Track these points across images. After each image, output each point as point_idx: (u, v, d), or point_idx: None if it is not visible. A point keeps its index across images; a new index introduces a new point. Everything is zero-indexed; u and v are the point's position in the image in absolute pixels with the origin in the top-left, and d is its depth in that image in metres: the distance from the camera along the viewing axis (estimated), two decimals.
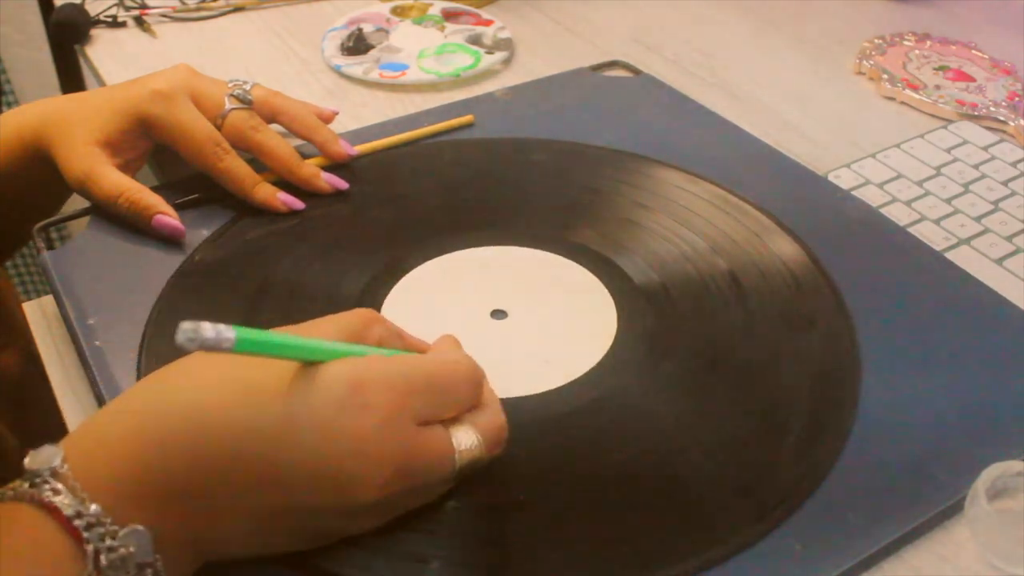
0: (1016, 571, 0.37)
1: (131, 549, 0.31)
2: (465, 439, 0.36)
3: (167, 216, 0.51)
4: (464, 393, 0.37)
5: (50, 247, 0.51)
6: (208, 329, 0.28)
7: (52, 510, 0.31)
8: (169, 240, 0.51)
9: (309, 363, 0.33)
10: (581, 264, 0.50)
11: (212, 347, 0.29)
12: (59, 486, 0.31)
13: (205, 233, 0.52)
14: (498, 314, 0.48)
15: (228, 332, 0.29)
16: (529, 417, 0.42)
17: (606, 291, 0.49)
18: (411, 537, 0.37)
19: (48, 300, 0.51)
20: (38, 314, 0.51)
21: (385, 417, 0.33)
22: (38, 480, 0.31)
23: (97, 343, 0.45)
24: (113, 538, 0.31)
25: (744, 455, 0.40)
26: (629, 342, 0.46)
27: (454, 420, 0.36)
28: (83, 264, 0.50)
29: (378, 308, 0.47)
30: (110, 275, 0.49)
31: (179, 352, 0.29)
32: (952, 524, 0.39)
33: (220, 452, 0.32)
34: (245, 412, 0.33)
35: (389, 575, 0.36)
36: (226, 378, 0.33)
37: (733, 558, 0.36)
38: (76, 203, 0.54)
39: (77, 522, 0.30)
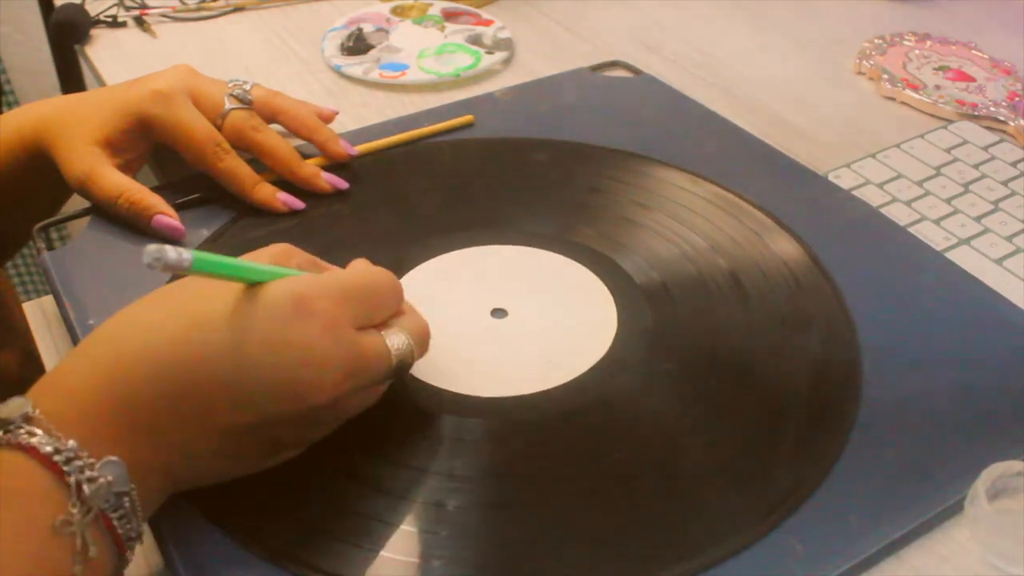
0: (1016, 571, 0.37)
1: (109, 478, 0.32)
2: (397, 340, 0.39)
3: (167, 216, 0.51)
4: (389, 299, 0.40)
5: (50, 247, 0.51)
6: (171, 251, 0.31)
7: (30, 450, 0.32)
8: (169, 240, 0.51)
9: (251, 285, 0.36)
10: (581, 263, 0.50)
11: (174, 267, 0.31)
12: (35, 429, 0.32)
13: (205, 233, 0.52)
14: (498, 313, 0.48)
15: (187, 254, 0.32)
16: (529, 416, 0.42)
17: (606, 290, 0.49)
18: (411, 537, 0.37)
19: (48, 300, 0.51)
20: (38, 314, 0.51)
21: (328, 323, 0.36)
22: (12, 427, 0.32)
23: None
24: (91, 469, 0.32)
25: (744, 455, 0.40)
26: (629, 342, 0.46)
27: (384, 325, 0.39)
28: (83, 264, 0.50)
29: None
30: (110, 275, 0.49)
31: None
32: (952, 524, 0.39)
33: (179, 382, 0.34)
34: (198, 339, 0.35)
35: (389, 575, 0.36)
36: (175, 313, 0.36)
37: (733, 558, 0.36)
38: (76, 203, 0.54)
39: (57, 457, 0.32)
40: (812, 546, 0.37)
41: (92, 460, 0.32)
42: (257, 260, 0.38)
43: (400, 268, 0.50)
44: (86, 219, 0.53)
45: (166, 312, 0.36)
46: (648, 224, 0.53)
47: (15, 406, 0.33)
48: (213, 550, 0.37)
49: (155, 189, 0.53)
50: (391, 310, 0.40)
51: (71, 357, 0.36)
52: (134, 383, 0.34)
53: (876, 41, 0.75)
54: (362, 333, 0.38)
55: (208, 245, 0.51)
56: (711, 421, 0.42)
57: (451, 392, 0.43)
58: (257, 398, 0.35)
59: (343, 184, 0.56)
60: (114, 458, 0.33)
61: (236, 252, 0.50)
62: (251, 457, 0.37)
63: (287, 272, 0.37)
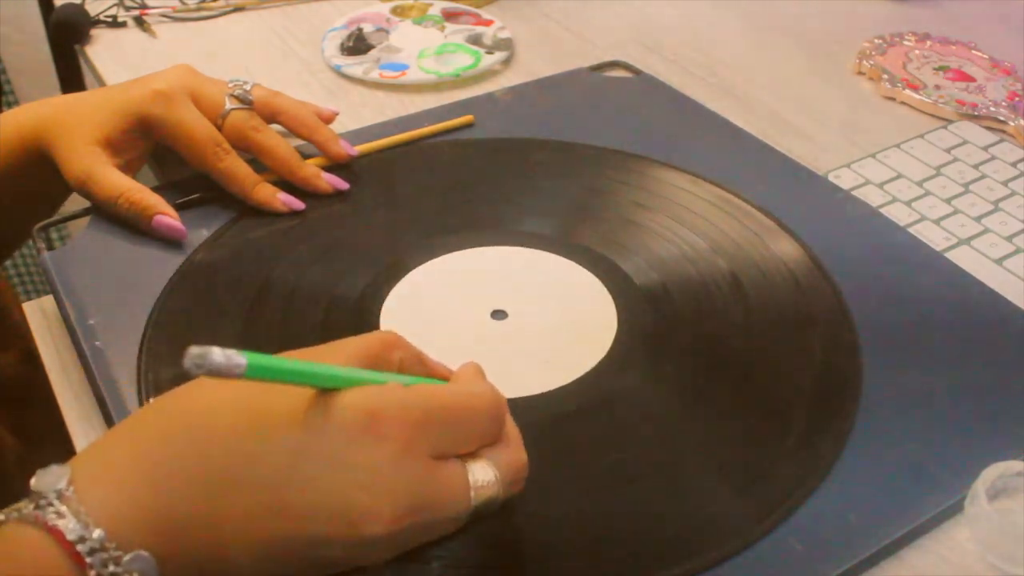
0: (1016, 571, 0.37)
1: (135, 575, 0.31)
2: (482, 475, 0.35)
3: (167, 216, 0.51)
4: (483, 427, 0.35)
5: (50, 247, 0.51)
6: (218, 355, 0.27)
7: (56, 534, 0.30)
8: (169, 240, 0.51)
9: (324, 390, 0.33)
10: (581, 264, 0.50)
11: (222, 373, 0.28)
12: (64, 509, 0.31)
13: (205, 233, 0.52)
14: (498, 314, 0.48)
15: (239, 358, 0.28)
16: (529, 417, 0.42)
17: (606, 291, 0.49)
18: None
19: (48, 300, 0.51)
20: (38, 314, 0.51)
21: (400, 450, 0.32)
22: (43, 503, 0.31)
23: (97, 343, 0.45)
24: (117, 564, 0.30)
25: (744, 455, 0.40)
26: (629, 342, 0.46)
27: (472, 455, 0.35)
28: (83, 264, 0.50)
29: (378, 309, 0.47)
30: (110, 275, 0.49)
31: (181, 367, 0.28)
32: (952, 524, 0.39)
33: (227, 479, 0.32)
34: (254, 439, 0.32)
35: (389, 575, 0.36)
36: (238, 402, 0.33)
37: (733, 558, 0.36)
38: (76, 203, 0.54)
39: (80, 547, 0.30)
40: (812, 546, 0.37)
41: (119, 553, 0.30)
42: (350, 351, 0.35)
43: (400, 268, 0.50)
44: (86, 219, 0.53)
45: (230, 398, 0.33)
46: (648, 225, 0.53)
47: (51, 478, 0.31)
48: None
49: (155, 189, 0.53)
50: (486, 439, 0.35)
51: (120, 429, 0.34)
52: (177, 468, 0.32)
53: (876, 41, 0.75)
54: (441, 463, 0.34)
55: (208, 245, 0.51)
56: (711, 421, 0.42)
57: None
58: (305, 514, 0.32)
59: (343, 184, 0.56)
60: (144, 553, 0.31)
61: (236, 252, 0.51)
62: (290, 571, 0.33)
63: (362, 377, 0.33)
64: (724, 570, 0.36)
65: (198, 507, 0.32)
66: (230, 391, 0.33)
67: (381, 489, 0.32)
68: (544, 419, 0.42)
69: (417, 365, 0.37)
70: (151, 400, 0.34)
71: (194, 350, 0.27)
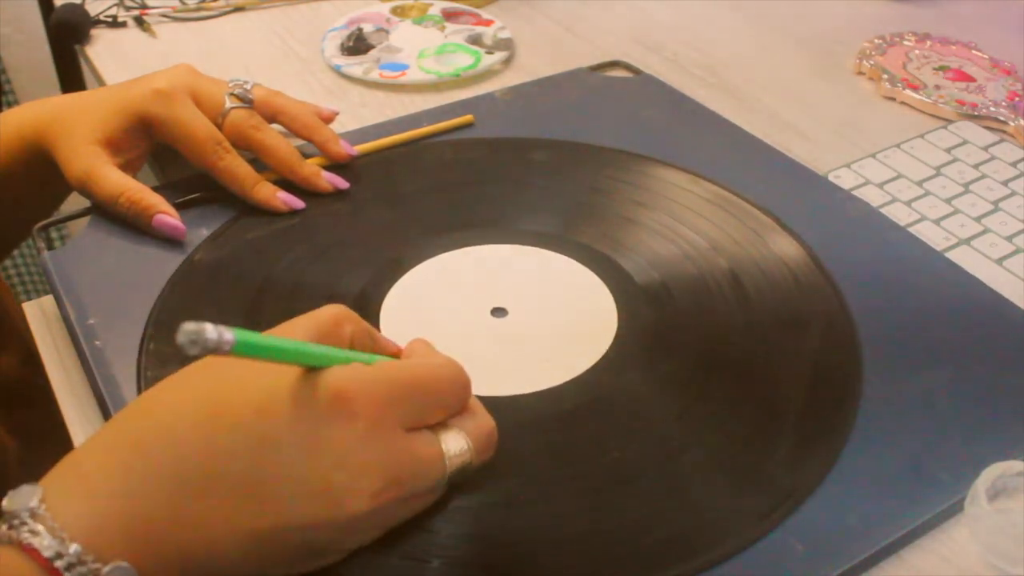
0: (1016, 571, 0.37)
1: None
2: (454, 444, 0.35)
3: (168, 216, 0.51)
4: (450, 397, 0.36)
5: (50, 247, 0.51)
6: (210, 330, 0.28)
7: (32, 552, 0.30)
8: (169, 240, 0.51)
9: (291, 370, 0.33)
10: (582, 262, 0.50)
11: (213, 349, 0.28)
12: (38, 527, 0.31)
13: (205, 233, 0.52)
14: (498, 312, 0.48)
15: (228, 334, 0.28)
16: (529, 415, 0.42)
17: (606, 290, 0.49)
18: (411, 537, 0.37)
19: (48, 300, 0.51)
20: (38, 314, 0.51)
21: (371, 425, 0.33)
22: (16, 522, 0.31)
23: (97, 343, 0.45)
24: None
25: (744, 455, 0.40)
26: (629, 341, 0.46)
27: (442, 425, 0.36)
28: (83, 264, 0.50)
29: (378, 307, 0.48)
30: (110, 275, 0.49)
31: (181, 353, 0.28)
32: (952, 524, 0.39)
33: (202, 476, 0.32)
34: (223, 434, 0.32)
35: (389, 575, 0.36)
36: (200, 400, 0.33)
37: (733, 558, 0.36)
38: (76, 203, 0.54)
39: (58, 563, 0.30)
40: (812, 546, 0.37)
41: (98, 566, 0.30)
42: (305, 327, 0.35)
43: (400, 268, 0.50)
44: (86, 219, 0.53)
45: (192, 395, 0.33)
46: (648, 224, 0.53)
47: (23, 497, 0.31)
48: None
49: (155, 189, 0.53)
50: (452, 409, 0.36)
51: (92, 439, 0.34)
52: (151, 474, 0.32)
53: (876, 41, 0.75)
54: (413, 435, 0.34)
55: (208, 244, 0.51)
56: (711, 421, 0.42)
57: None
58: (287, 501, 0.32)
59: (343, 183, 0.56)
60: (123, 564, 0.31)
61: (236, 252, 0.51)
62: (282, 562, 0.34)
63: (337, 355, 0.34)
64: (724, 570, 0.36)
65: (179, 510, 0.32)
66: (191, 391, 0.33)
67: (357, 466, 0.32)
68: (544, 417, 0.42)
69: (367, 338, 0.38)
70: (119, 412, 0.34)
71: (189, 326, 0.27)
